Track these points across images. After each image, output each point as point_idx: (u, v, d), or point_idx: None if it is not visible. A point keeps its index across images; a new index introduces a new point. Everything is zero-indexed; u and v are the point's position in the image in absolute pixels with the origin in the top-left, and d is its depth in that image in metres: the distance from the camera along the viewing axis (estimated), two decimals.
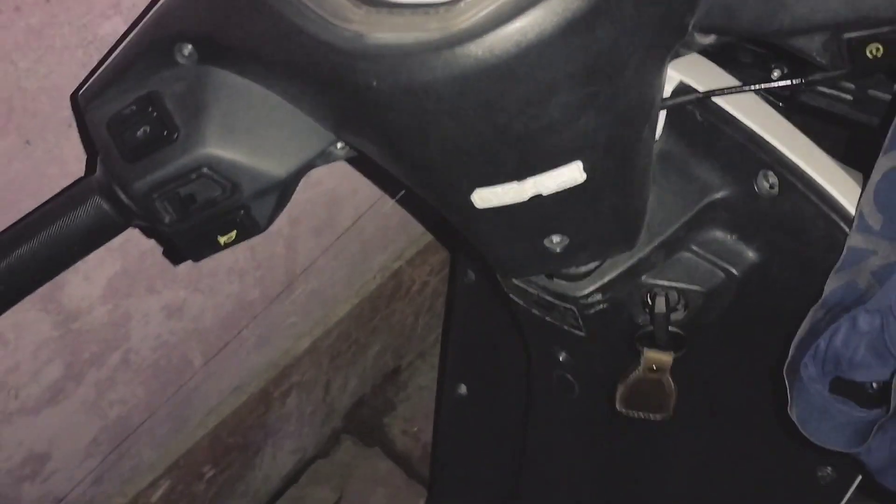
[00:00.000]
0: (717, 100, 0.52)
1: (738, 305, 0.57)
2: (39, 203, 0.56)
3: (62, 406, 0.83)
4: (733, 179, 0.53)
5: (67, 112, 0.64)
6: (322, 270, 1.06)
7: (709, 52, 0.55)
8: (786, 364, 0.49)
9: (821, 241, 0.51)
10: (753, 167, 0.52)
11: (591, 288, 0.56)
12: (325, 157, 0.51)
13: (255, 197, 0.49)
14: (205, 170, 0.47)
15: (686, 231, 0.55)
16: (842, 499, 0.65)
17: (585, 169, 0.46)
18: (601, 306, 0.57)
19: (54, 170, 0.66)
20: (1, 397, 0.77)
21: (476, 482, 1.04)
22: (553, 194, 0.47)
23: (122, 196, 0.49)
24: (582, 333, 0.60)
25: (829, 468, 0.64)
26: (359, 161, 0.95)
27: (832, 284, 0.48)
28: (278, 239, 0.95)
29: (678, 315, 0.58)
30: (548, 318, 0.61)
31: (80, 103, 0.49)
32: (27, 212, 0.55)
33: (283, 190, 0.50)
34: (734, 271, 0.56)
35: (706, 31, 0.45)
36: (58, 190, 0.64)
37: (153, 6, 0.48)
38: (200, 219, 0.49)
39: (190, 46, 0.47)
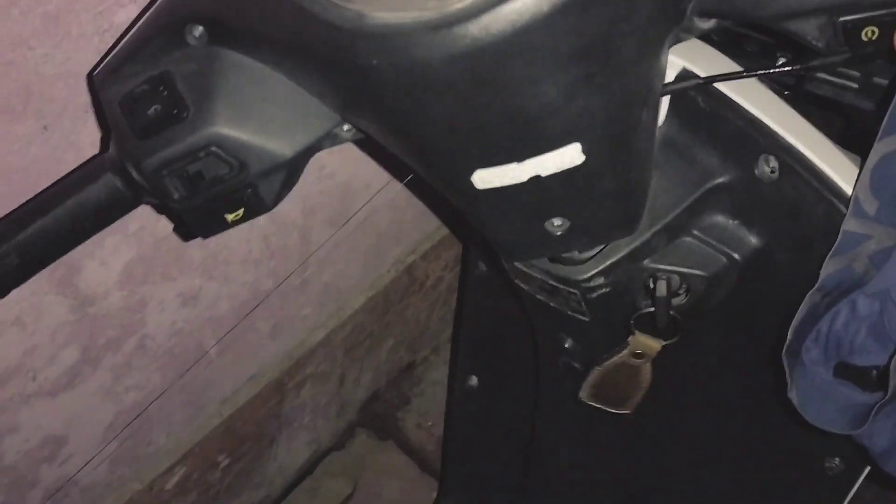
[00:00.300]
0: (719, 86, 0.53)
1: (739, 290, 0.58)
2: None
3: (79, 390, 0.85)
4: (735, 164, 0.54)
5: (84, 98, 0.66)
6: (336, 262, 1.08)
7: (714, 41, 0.55)
8: (784, 348, 0.49)
9: (821, 226, 0.51)
10: (754, 151, 0.52)
11: (594, 271, 0.56)
12: (331, 138, 0.52)
13: (262, 176, 0.50)
14: (213, 148, 0.49)
15: (688, 216, 0.56)
16: (850, 490, 0.65)
17: (584, 151, 0.46)
18: (604, 290, 0.57)
19: (71, 155, 0.68)
20: (20, 379, 0.79)
21: (487, 473, 1.05)
22: (553, 176, 0.47)
23: (134, 173, 0.50)
24: (586, 318, 0.61)
25: (837, 459, 0.64)
26: (371, 153, 0.97)
27: (829, 269, 0.48)
28: (292, 230, 0.97)
29: (680, 300, 0.58)
30: (553, 304, 0.62)
31: (95, 82, 0.51)
32: None
33: (289, 170, 0.52)
34: (736, 256, 0.56)
35: (704, 15, 0.46)
36: None
37: None
38: (208, 196, 0.50)
39: (200, 28, 0.48)
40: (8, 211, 0.54)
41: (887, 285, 0.46)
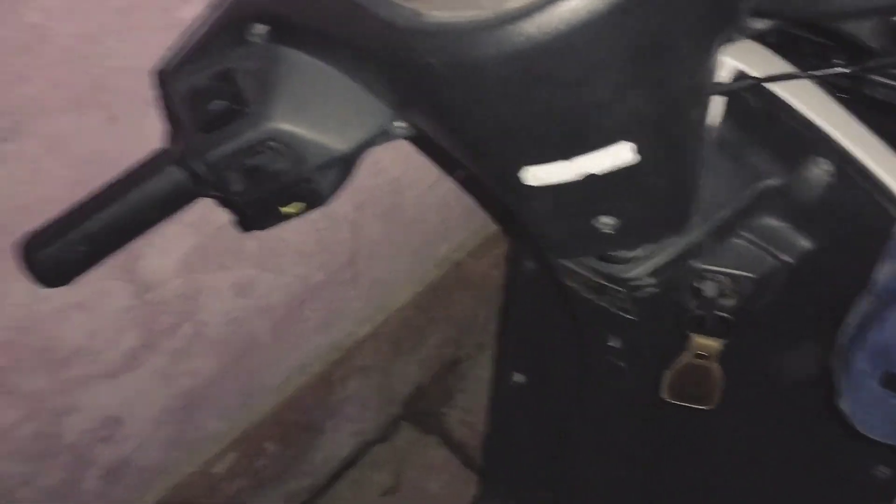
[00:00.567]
0: (772, 87, 0.52)
1: (790, 293, 0.57)
2: None
3: (137, 373, 0.88)
4: (787, 167, 0.53)
5: (149, 91, 0.68)
6: (385, 257, 1.09)
7: (770, 43, 0.55)
8: (834, 354, 0.49)
9: (874, 230, 0.51)
10: (807, 154, 0.52)
11: (642, 270, 0.57)
12: (385, 135, 0.53)
13: (319, 170, 0.52)
14: (272, 142, 0.50)
15: (738, 217, 0.55)
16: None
17: (635, 150, 0.47)
18: (651, 290, 0.58)
19: (136, 146, 0.70)
20: (83, 360, 0.82)
21: (528, 470, 1.05)
22: (602, 174, 0.48)
23: (196, 165, 0.52)
24: (632, 318, 0.61)
25: (884, 467, 0.63)
26: (423, 150, 0.98)
27: (880, 272, 0.48)
28: (343, 223, 0.98)
29: (729, 301, 0.58)
30: (599, 303, 0.62)
31: (162, 76, 0.53)
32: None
33: (344, 164, 0.53)
34: (787, 258, 0.56)
35: (758, 14, 0.46)
36: None
37: None
38: (267, 189, 0.52)
39: (262, 26, 0.50)
40: (76, 200, 0.56)
41: None
